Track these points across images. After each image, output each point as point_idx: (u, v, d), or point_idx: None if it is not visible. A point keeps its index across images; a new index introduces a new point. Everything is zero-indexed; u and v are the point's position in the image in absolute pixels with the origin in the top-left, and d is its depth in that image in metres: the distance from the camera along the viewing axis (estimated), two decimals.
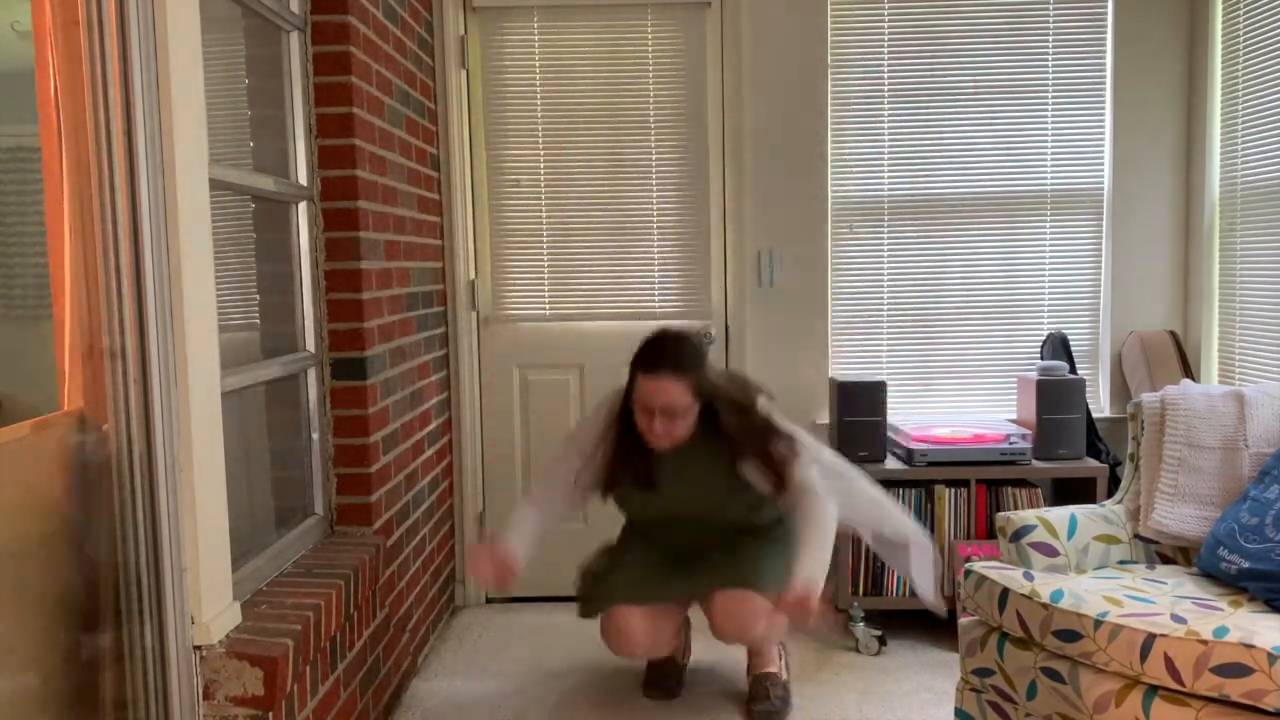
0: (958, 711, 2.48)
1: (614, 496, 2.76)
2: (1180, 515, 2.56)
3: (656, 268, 3.70)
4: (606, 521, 3.31)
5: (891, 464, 3.33)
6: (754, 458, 2.59)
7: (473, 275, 3.70)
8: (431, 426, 3.38)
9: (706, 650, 3.22)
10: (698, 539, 2.78)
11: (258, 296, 2.35)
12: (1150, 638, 2.03)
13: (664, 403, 2.48)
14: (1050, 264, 3.69)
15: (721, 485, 2.66)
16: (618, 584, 2.73)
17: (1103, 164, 3.65)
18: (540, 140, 3.67)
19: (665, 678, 2.94)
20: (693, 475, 2.65)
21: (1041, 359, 3.64)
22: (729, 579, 2.65)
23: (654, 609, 2.73)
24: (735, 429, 2.57)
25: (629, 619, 2.68)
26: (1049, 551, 2.49)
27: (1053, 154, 3.65)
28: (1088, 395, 3.62)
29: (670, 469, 2.66)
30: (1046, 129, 3.65)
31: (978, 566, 2.45)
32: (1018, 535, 2.51)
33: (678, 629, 2.85)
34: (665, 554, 2.81)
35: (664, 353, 2.49)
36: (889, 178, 3.67)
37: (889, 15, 3.62)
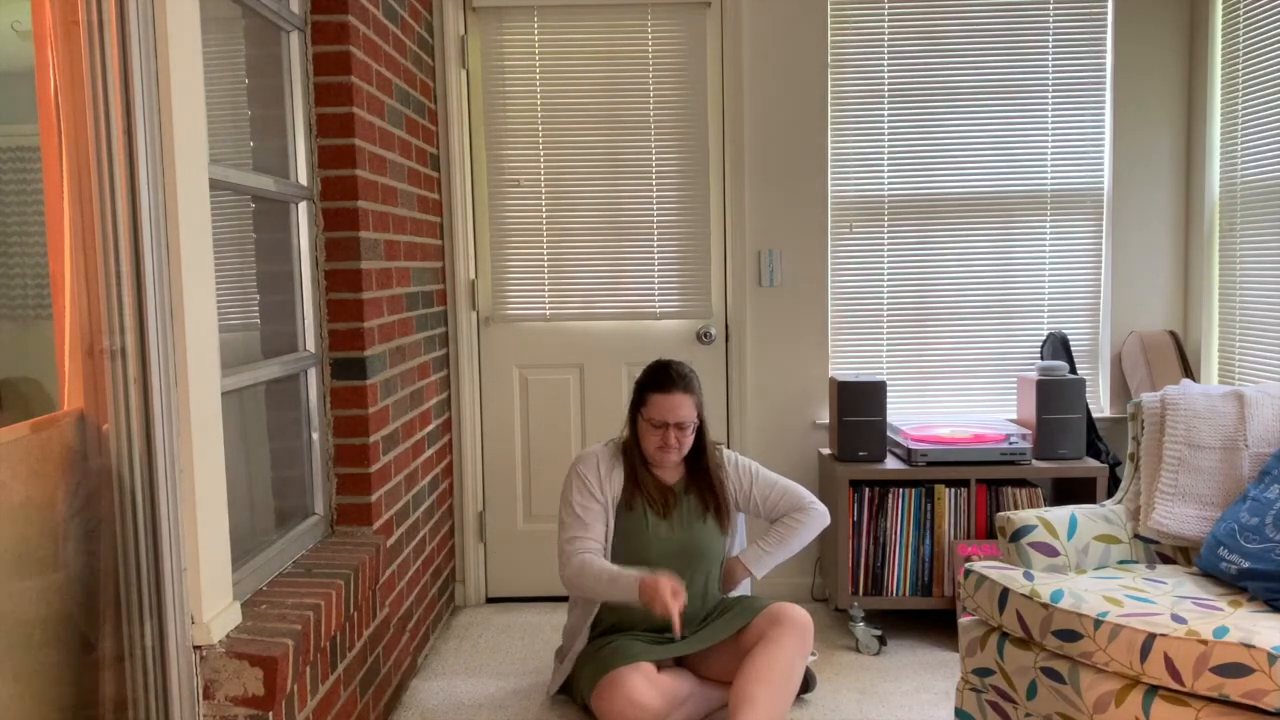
0: (958, 711, 2.48)
1: (619, 529, 2.74)
2: (1180, 515, 2.56)
3: (656, 268, 3.70)
4: None
5: (891, 464, 3.33)
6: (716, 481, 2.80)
7: (473, 275, 3.70)
8: (431, 426, 3.38)
9: None
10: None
11: (258, 296, 2.35)
12: (1150, 638, 2.03)
13: (679, 418, 2.69)
14: (1050, 264, 3.69)
15: (711, 527, 2.78)
16: (614, 651, 2.58)
17: (1103, 164, 3.65)
18: (540, 140, 3.67)
19: None
20: (687, 514, 2.78)
21: (1041, 359, 3.64)
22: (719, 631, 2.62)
23: (657, 672, 2.57)
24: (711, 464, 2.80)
25: (632, 678, 2.49)
26: (1049, 551, 2.49)
27: (1052, 154, 3.65)
28: (1088, 395, 3.62)
29: (672, 504, 2.79)
30: (1046, 129, 3.64)
31: (978, 566, 2.45)
32: (1018, 535, 2.51)
33: (686, 697, 2.60)
34: (648, 628, 2.70)
35: (674, 374, 2.73)
36: (889, 177, 3.67)
37: (889, 15, 3.62)
